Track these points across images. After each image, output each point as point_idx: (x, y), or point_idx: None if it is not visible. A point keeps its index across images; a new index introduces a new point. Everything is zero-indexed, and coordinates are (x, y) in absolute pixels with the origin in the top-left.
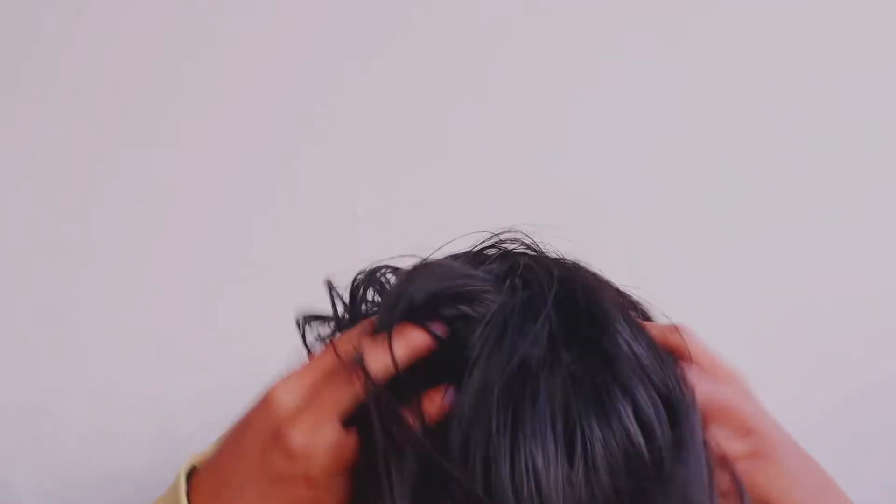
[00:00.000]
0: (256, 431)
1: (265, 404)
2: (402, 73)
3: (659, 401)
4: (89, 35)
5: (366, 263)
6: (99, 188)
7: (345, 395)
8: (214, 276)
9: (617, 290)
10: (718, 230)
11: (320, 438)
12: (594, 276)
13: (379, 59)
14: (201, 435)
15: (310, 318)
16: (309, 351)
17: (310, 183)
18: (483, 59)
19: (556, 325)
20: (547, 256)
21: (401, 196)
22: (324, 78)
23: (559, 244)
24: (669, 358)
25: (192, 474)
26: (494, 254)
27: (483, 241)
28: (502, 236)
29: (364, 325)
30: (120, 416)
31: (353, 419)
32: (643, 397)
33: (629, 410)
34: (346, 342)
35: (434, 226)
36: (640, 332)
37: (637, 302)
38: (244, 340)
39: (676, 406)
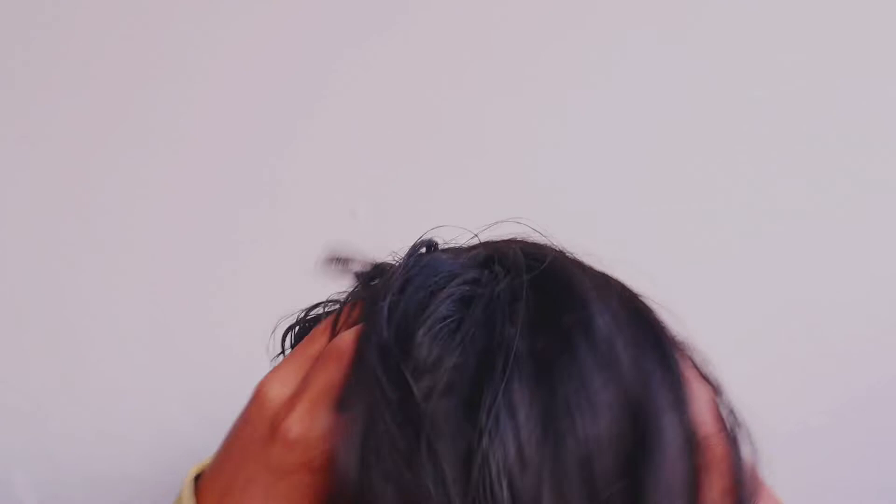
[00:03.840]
0: (253, 427)
1: (257, 399)
2: (400, 72)
3: (621, 403)
4: (88, 34)
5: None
6: (98, 188)
7: (336, 377)
8: (213, 276)
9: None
10: (718, 230)
11: (317, 424)
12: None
13: (377, 58)
14: (201, 435)
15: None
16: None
17: (307, 183)
18: (482, 59)
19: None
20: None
21: (399, 196)
22: (321, 77)
23: (557, 243)
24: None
25: (197, 480)
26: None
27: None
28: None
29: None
30: (120, 417)
31: (345, 403)
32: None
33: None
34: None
35: (432, 226)
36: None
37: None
38: (244, 341)
39: (645, 408)
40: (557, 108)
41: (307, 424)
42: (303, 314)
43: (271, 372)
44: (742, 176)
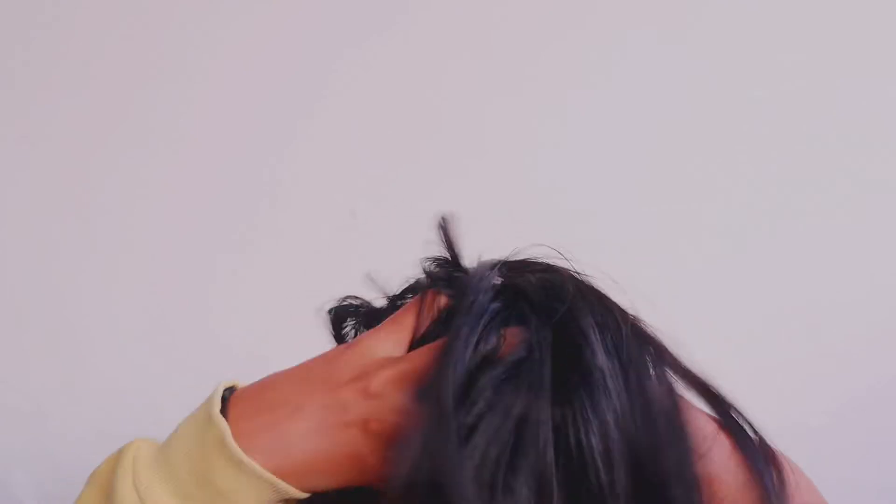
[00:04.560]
0: (337, 366)
1: (357, 347)
2: (400, 72)
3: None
4: (88, 34)
5: (363, 263)
6: (98, 188)
7: (429, 366)
8: (214, 277)
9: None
10: (718, 230)
11: (396, 394)
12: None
13: (377, 58)
14: None
15: (340, 310)
16: (340, 340)
17: (307, 183)
18: (482, 59)
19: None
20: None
21: (399, 196)
22: (321, 77)
23: (556, 243)
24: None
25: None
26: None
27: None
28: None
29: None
30: (119, 417)
31: (423, 396)
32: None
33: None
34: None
35: (431, 226)
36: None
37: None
38: (244, 341)
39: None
40: (557, 108)
41: (389, 388)
42: (339, 303)
43: (375, 332)
44: (742, 176)
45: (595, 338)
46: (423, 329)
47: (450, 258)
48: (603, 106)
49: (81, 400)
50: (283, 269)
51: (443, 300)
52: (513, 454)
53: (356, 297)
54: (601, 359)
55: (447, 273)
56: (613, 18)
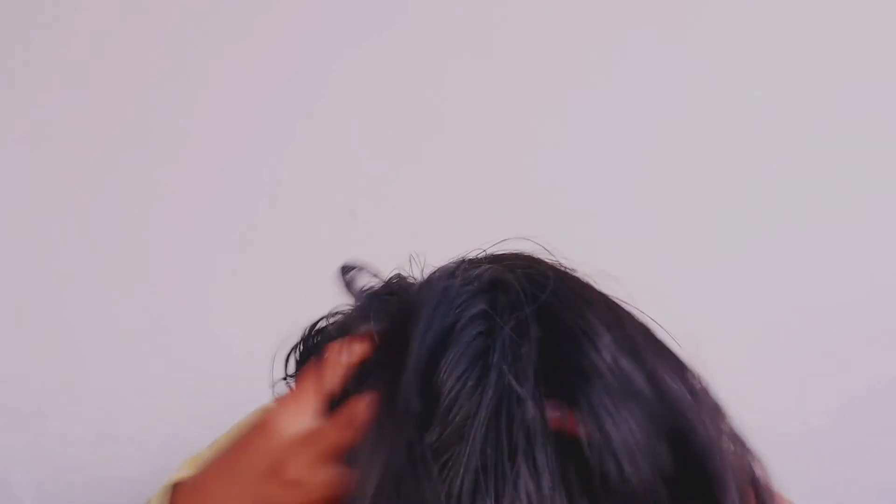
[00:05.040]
0: (253, 457)
1: (265, 431)
2: (400, 72)
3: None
4: (88, 34)
5: (363, 263)
6: (98, 188)
7: (347, 440)
8: (214, 277)
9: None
10: (718, 231)
11: (320, 473)
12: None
13: (377, 58)
14: (199, 437)
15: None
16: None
17: (307, 183)
18: (482, 59)
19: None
20: (539, 273)
21: (399, 196)
22: (321, 77)
23: (555, 245)
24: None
25: (175, 490)
26: (486, 270)
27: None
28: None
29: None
30: (119, 418)
31: (356, 460)
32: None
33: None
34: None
35: (431, 226)
36: (627, 348)
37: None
38: (243, 341)
39: (683, 433)
40: (557, 108)
41: (309, 472)
42: (307, 332)
43: (284, 403)
44: (742, 176)
45: (596, 330)
46: (337, 387)
47: (378, 287)
48: (603, 106)
49: (81, 400)
50: (283, 269)
51: (357, 348)
52: (508, 462)
53: (327, 317)
54: (605, 350)
55: (377, 301)
56: (613, 18)
